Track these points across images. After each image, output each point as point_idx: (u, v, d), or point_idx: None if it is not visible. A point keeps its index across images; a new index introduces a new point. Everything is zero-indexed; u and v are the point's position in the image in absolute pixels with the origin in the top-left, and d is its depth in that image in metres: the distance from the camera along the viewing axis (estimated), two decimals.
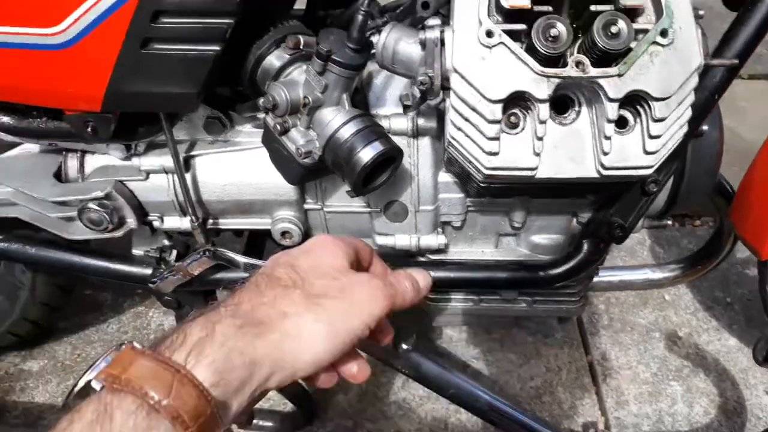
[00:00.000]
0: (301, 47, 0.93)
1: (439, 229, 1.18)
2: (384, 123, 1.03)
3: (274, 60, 0.95)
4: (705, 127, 1.04)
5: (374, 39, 0.89)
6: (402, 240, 1.17)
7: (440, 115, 1.04)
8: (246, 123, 1.07)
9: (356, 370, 0.70)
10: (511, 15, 0.80)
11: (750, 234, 1.29)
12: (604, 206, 1.11)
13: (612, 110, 0.81)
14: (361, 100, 1.05)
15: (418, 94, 0.98)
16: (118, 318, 1.90)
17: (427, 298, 1.31)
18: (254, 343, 0.59)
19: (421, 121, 1.03)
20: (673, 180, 1.11)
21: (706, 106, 0.97)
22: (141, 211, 1.12)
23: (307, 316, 0.63)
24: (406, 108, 0.97)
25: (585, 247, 1.16)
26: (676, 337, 1.82)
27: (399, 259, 1.23)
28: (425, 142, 1.06)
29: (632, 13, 0.80)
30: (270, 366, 0.60)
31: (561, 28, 0.76)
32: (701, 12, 0.99)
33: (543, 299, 1.31)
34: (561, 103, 0.85)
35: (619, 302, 1.91)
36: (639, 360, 1.76)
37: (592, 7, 0.79)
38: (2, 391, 1.71)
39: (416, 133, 1.04)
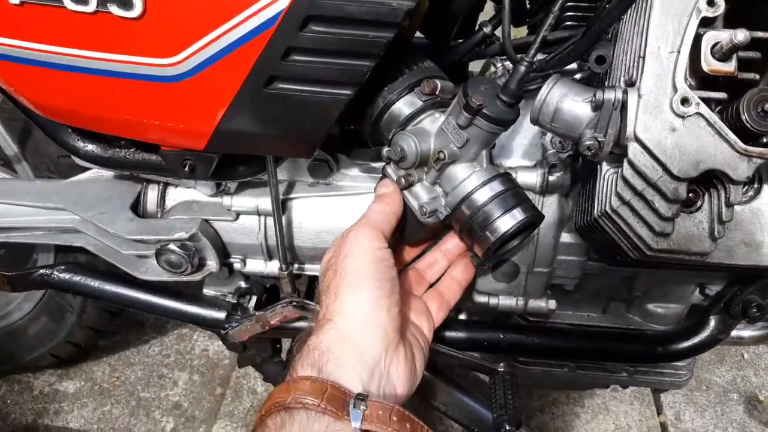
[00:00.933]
0: (437, 93, 0.82)
1: (549, 292, 1.06)
2: None
3: (403, 106, 0.83)
4: None
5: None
6: (507, 301, 1.05)
7: (574, 173, 0.92)
8: (353, 167, 0.95)
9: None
10: (708, 81, 0.69)
11: None
12: (740, 281, 0.99)
13: None
14: None
15: (563, 154, 0.87)
16: (160, 340, 1.79)
17: (517, 362, 1.19)
18: None
19: (551, 178, 0.91)
20: None
21: None
22: (224, 252, 1.01)
23: None
24: (552, 167, 0.86)
25: (712, 323, 1.04)
26: (756, 401, 1.69)
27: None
28: (552, 200, 0.94)
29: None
30: None
31: None
32: None
33: (647, 370, 1.19)
34: None
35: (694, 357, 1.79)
36: (716, 424, 1.64)
37: None
38: (35, 413, 1.61)
39: (545, 190, 0.92)
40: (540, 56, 0.86)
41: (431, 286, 0.90)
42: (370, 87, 0.84)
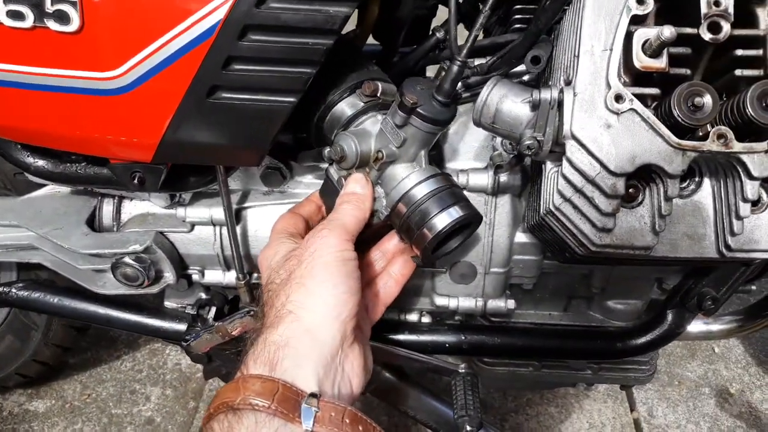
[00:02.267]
0: (378, 95, 0.83)
1: (508, 292, 1.07)
2: (461, 178, 0.93)
3: (345, 107, 0.84)
4: None
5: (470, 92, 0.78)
6: (466, 303, 1.05)
7: (525, 172, 0.93)
8: (307, 173, 0.96)
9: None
10: (641, 77, 0.70)
11: None
12: (695, 274, 1.01)
13: (752, 189, 0.70)
14: (435, 152, 0.94)
15: (510, 155, 0.88)
16: (132, 355, 1.77)
17: (481, 362, 1.20)
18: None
19: (502, 178, 0.92)
20: None
21: None
22: (181, 264, 1.01)
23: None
24: (497, 168, 0.87)
25: (669, 317, 1.05)
26: (727, 394, 1.71)
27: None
28: (504, 200, 0.95)
29: None
30: None
31: (707, 98, 0.66)
32: None
33: (611, 366, 1.20)
34: None
35: (666, 353, 1.81)
36: (688, 418, 1.66)
37: (737, 72, 0.69)
38: None
39: (496, 191, 0.93)
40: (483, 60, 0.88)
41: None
42: (314, 91, 0.85)
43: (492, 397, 1.70)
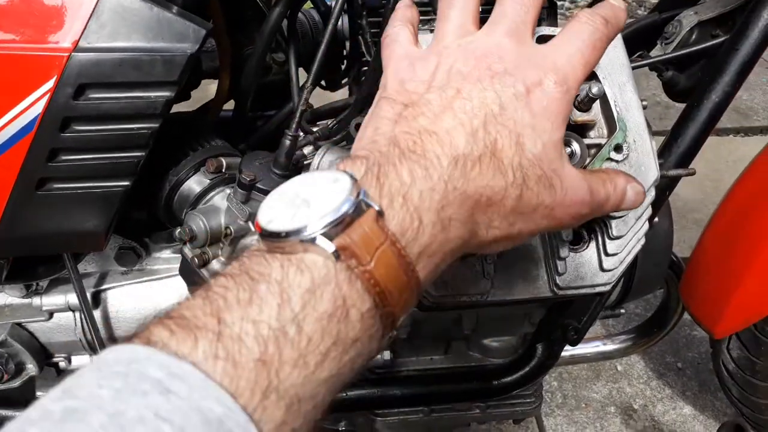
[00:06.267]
0: (223, 170, 0.85)
1: None
2: None
3: (193, 185, 0.85)
4: (655, 219, 1.01)
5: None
6: None
7: None
8: (164, 249, 0.96)
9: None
10: None
11: (701, 313, 1.27)
12: (557, 308, 1.06)
13: (566, 232, 0.75)
14: None
15: None
16: None
17: (373, 414, 1.20)
18: None
19: None
20: (624, 276, 1.07)
21: (657, 204, 0.93)
22: (44, 353, 0.98)
23: None
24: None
25: (539, 351, 1.09)
26: (631, 410, 1.77)
27: None
28: None
29: (582, 128, 0.75)
30: None
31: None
32: (644, 103, 0.97)
33: (497, 403, 1.23)
34: None
35: (572, 377, 1.86)
36: None
37: None
38: None
39: None
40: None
41: None
42: (161, 171, 0.86)
43: None
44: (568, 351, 1.54)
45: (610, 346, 1.58)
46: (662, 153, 0.91)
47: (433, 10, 0.81)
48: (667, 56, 0.98)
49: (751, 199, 1.21)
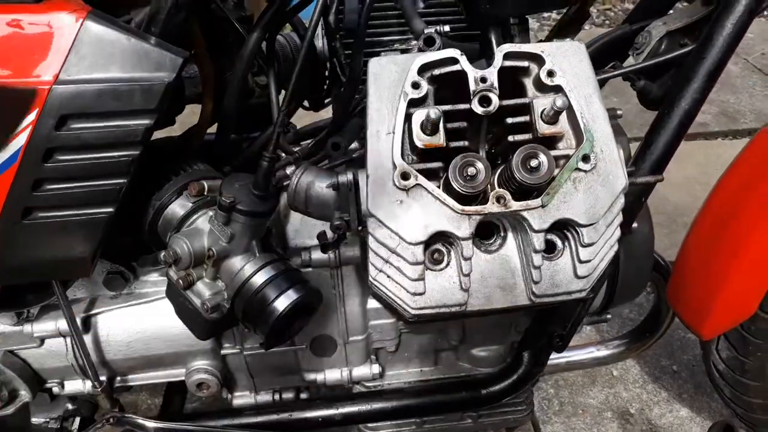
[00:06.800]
0: (206, 193, 0.86)
1: (373, 357, 1.10)
2: (304, 255, 0.97)
3: (177, 208, 0.87)
4: (635, 225, 1.03)
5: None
6: (333, 375, 1.08)
7: (363, 243, 0.98)
8: (152, 272, 0.98)
9: None
10: (426, 153, 0.76)
11: (689, 315, 1.29)
12: (541, 316, 1.07)
13: (538, 241, 0.77)
14: (278, 234, 0.98)
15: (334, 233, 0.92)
16: None
17: (366, 426, 1.21)
18: None
19: (343, 250, 0.97)
20: (607, 282, 1.09)
21: (633, 210, 0.95)
22: (36, 379, 1.00)
23: None
24: (324, 247, 0.91)
25: (525, 358, 1.11)
26: (628, 415, 1.78)
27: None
28: (349, 271, 1.00)
29: (551, 140, 0.77)
30: None
31: (479, 167, 0.72)
32: (619, 112, 0.99)
33: (489, 412, 1.24)
34: (486, 229, 0.81)
35: (568, 383, 1.87)
36: None
37: (510, 138, 0.76)
38: None
39: (339, 263, 0.98)
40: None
41: None
42: (144, 196, 0.88)
43: None
44: (563, 358, 1.56)
45: (604, 352, 1.59)
46: (636, 160, 0.93)
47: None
48: (638, 66, 1.01)
49: (732, 200, 1.23)
